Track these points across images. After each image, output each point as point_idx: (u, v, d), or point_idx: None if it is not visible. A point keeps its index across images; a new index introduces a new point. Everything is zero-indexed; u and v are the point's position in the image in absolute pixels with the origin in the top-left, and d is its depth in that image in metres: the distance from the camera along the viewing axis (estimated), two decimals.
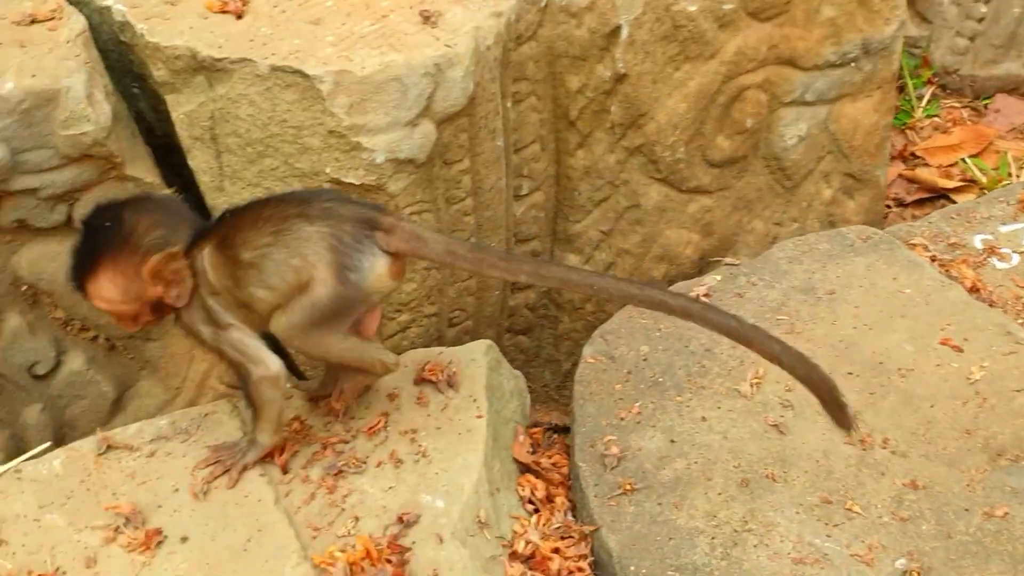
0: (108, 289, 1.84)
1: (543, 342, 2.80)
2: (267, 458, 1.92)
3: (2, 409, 2.33)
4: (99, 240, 1.82)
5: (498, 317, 2.63)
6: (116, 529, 1.80)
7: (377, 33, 2.19)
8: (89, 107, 2.10)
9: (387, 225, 1.83)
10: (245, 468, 1.87)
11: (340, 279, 1.77)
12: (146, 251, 1.79)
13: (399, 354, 2.05)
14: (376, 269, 1.79)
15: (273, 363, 1.81)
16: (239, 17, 2.22)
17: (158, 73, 2.22)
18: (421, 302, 2.43)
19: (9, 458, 2.09)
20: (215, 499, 1.86)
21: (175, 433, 1.96)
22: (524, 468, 2.04)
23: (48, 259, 2.26)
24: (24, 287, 2.27)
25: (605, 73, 2.41)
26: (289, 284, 1.78)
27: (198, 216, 1.98)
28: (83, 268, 1.84)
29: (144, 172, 2.26)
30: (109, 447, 1.93)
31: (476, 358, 2.10)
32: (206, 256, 1.86)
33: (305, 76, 2.11)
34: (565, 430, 2.36)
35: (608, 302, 2.49)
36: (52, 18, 2.20)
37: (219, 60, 2.14)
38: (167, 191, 2.18)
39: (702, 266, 2.73)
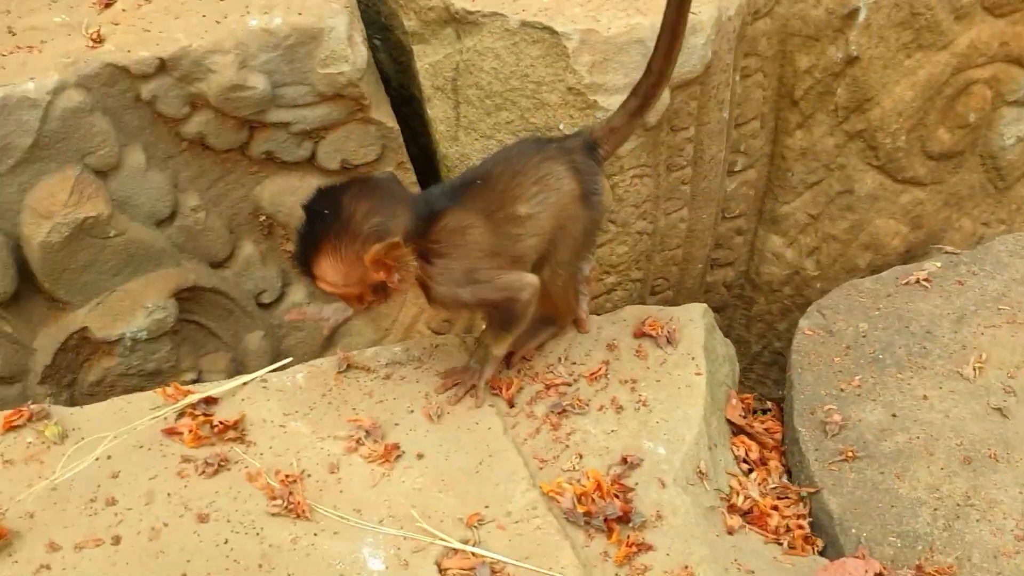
0: (331, 274, 1.84)
1: (735, 322, 2.83)
2: (494, 392, 1.99)
3: (227, 332, 2.45)
4: (321, 227, 1.80)
5: (696, 291, 2.67)
6: (357, 440, 1.89)
7: None
8: (349, 48, 2.20)
9: (597, 139, 1.98)
10: (486, 384, 1.95)
11: (589, 205, 1.86)
12: (366, 239, 1.78)
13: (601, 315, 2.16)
14: (606, 186, 1.82)
15: (532, 279, 1.89)
16: None
17: (408, 24, 2.32)
18: (629, 266, 2.48)
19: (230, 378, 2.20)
20: (448, 423, 1.93)
21: (408, 359, 2.05)
22: (737, 430, 2.07)
23: (288, 192, 2.37)
24: (262, 217, 2.39)
25: (836, 55, 2.42)
26: (554, 222, 1.86)
27: (412, 196, 1.96)
28: (307, 253, 1.82)
29: (386, 117, 2.35)
30: (349, 366, 2.02)
31: (694, 319, 2.14)
32: (467, 227, 1.87)
33: (553, 32, 2.18)
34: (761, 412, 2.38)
35: None
36: None
37: (471, 13, 2.23)
38: (388, 170, 2.24)
39: (907, 259, 2.72)
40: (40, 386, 2.30)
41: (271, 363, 2.50)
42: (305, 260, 1.83)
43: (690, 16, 2.20)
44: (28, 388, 2.32)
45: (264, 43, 2.16)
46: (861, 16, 2.38)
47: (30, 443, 1.86)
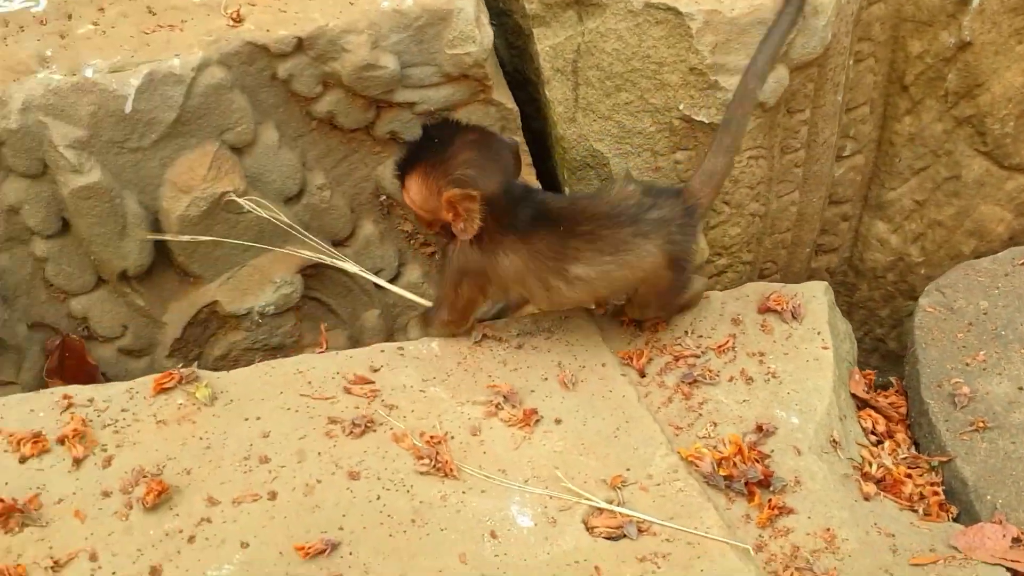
0: (414, 193, 2.02)
1: (838, 307, 2.85)
2: (624, 362, 2.03)
3: (346, 310, 2.51)
4: (427, 150, 2.01)
5: (802, 276, 2.70)
6: (496, 405, 1.94)
7: None
8: (476, 29, 2.26)
9: (694, 189, 2.03)
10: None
11: (677, 269, 1.97)
12: (451, 181, 1.94)
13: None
14: (700, 243, 1.88)
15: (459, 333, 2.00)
16: None
17: (530, 7, 2.37)
18: (741, 248, 2.52)
19: None
20: (582, 390, 1.98)
21: (539, 330, 2.10)
22: (862, 404, 2.10)
23: None
24: (383, 197, 2.45)
25: (948, 40, 2.45)
26: (622, 285, 1.98)
27: (515, 178, 2.08)
28: (406, 165, 2.03)
29: (505, 99, 2.41)
30: (484, 336, 2.07)
31: (817, 295, 2.17)
32: (509, 250, 1.97)
33: (677, 13, 2.23)
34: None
35: None
36: None
37: None
38: (514, 137, 2.30)
39: (1011, 245, 2.74)
40: (168, 359, 2.37)
41: (385, 340, 2.56)
42: (402, 170, 2.04)
43: None
44: (155, 361, 2.39)
45: (396, 23, 2.22)
46: (975, 1, 2.41)
47: (181, 404, 1.92)
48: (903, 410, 2.11)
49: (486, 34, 2.28)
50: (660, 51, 2.27)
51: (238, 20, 2.15)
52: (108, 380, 2.33)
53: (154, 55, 2.10)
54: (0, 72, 2.04)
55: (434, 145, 1.99)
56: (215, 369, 2.38)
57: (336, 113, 2.29)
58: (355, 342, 2.55)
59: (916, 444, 2.05)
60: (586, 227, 1.96)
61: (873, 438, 2.03)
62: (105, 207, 2.12)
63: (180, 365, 2.25)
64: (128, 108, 2.06)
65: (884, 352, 2.88)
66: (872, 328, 2.87)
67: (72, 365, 2.31)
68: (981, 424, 1.97)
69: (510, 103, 2.42)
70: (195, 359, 2.39)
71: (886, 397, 2.13)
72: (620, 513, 1.76)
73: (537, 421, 1.91)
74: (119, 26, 2.14)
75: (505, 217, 1.96)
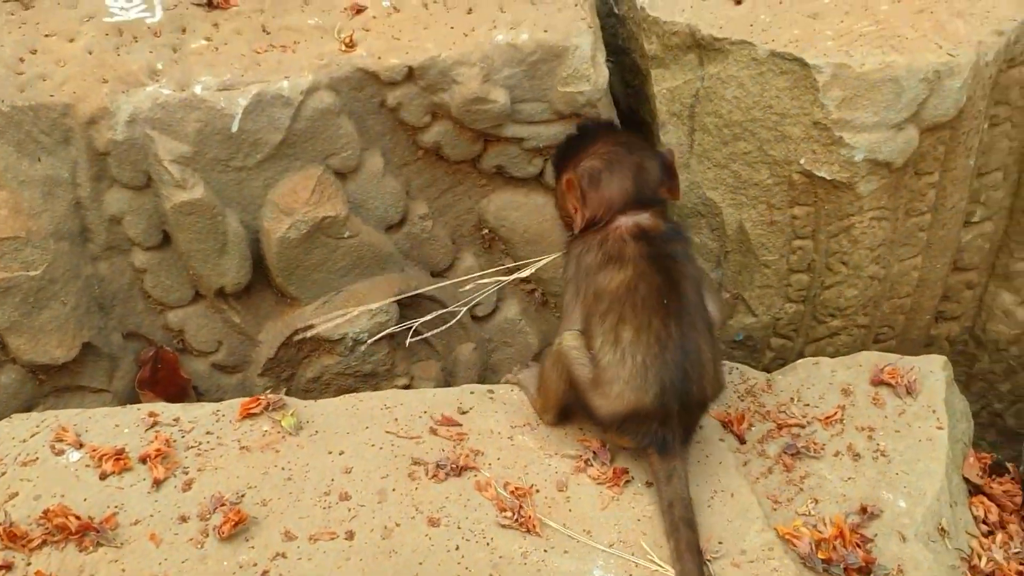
0: (560, 180, 2.02)
1: (955, 378, 2.71)
2: (726, 427, 1.94)
3: (441, 342, 2.46)
4: (576, 145, 2.05)
5: (919, 343, 2.57)
6: (586, 461, 1.86)
7: (877, 33, 2.19)
8: (592, 67, 2.20)
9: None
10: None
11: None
12: (576, 167, 1.96)
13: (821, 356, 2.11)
14: None
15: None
16: (738, 2, 2.27)
17: (650, 47, 2.30)
18: (857, 311, 2.40)
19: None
20: None
21: None
22: (975, 489, 1.97)
23: (513, 208, 2.37)
24: (485, 231, 2.39)
25: None
26: None
27: (653, 191, 2.01)
28: (559, 156, 2.11)
29: None
30: None
31: (934, 371, 2.06)
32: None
33: (804, 64, 2.13)
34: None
35: None
36: None
37: (718, 40, 2.20)
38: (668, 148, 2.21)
39: None
40: (260, 378, 2.34)
41: (478, 377, 2.51)
42: (556, 159, 2.13)
43: (947, 58, 2.13)
44: (248, 379, 2.36)
45: (509, 58, 2.17)
46: None
47: (266, 431, 1.89)
48: (1018, 499, 1.97)
49: (601, 73, 2.22)
50: (783, 102, 2.18)
51: (350, 45, 2.12)
52: (200, 394, 2.31)
53: (264, 76, 2.07)
54: (111, 83, 2.04)
55: (583, 141, 2.03)
56: (307, 391, 2.37)
57: (443, 144, 2.24)
58: (448, 374, 2.50)
59: None
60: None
61: (984, 528, 1.90)
62: (206, 223, 2.10)
63: (269, 386, 2.23)
64: (235, 127, 2.04)
65: (1001, 428, 2.73)
66: (990, 402, 2.72)
67: (164, 377, 2.30)
68: None
69: None
70: (288, 379, 2.37)
71: (1001, 484, 2.00)
72: None
73: (627, 482, 1.82)
74: (232, 43, 2.13)
75: (605, 218, 1.94)
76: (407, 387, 2.39)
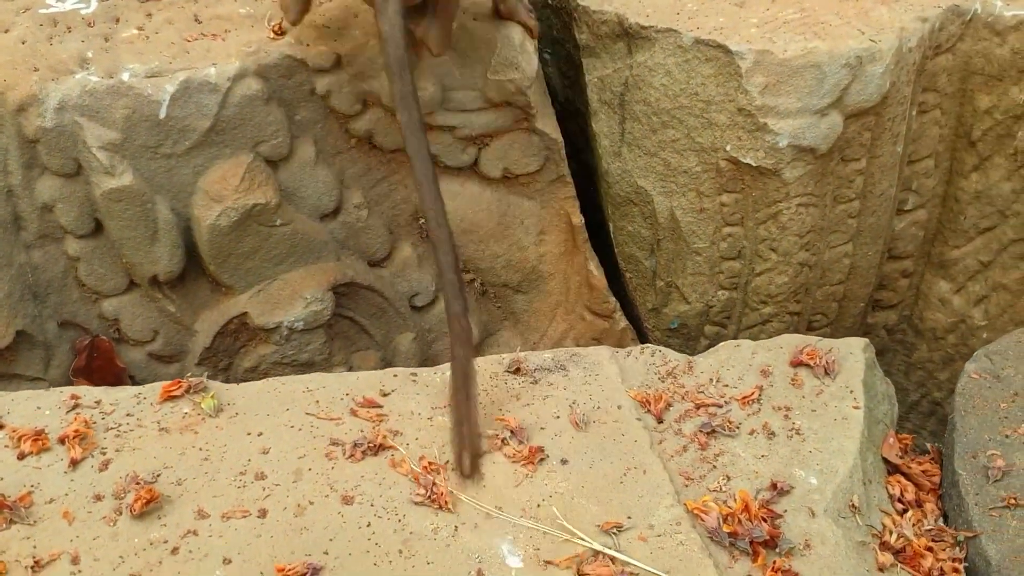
0: None
1: (893, 367, 2.73)
2: (644, 406, 1.96)
3: (379, 332, 2.48)
4: None
5: (855, 331, 2.59)
6: (503, 440, 1.88)
7: (801, 20, 2.22)
8: (520, 56, 2.22)
9: None
10: None
11: None
12: None
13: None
14: None
15: None
16: None
17: (581, 37, 2.33)
18: (788, 298, 2.42)
19: None
20: (593, 432, 1.91)
21: (556, 367, 2.03)
22: (893, 469, 1.99)
23: (449, 197, 2.37)
24: (422, 220, 2.41)
25: (1020, 96, 2.34)
26: None
27: None
28: None
29: (550, 128, 2.36)
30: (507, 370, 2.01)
31: (854, 352, 2.07)
32: None
33: (727, 52, 2.16)
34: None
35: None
36: None
37: (644, 28, 2.23)
38: None
39: None
40: (197, 367, 2.36)
41: (416, 367, 2.52)
42: None
43: (869, 44, 2.16)
44: (185, 368, 2.38)
45: None
46: None
47: (186, 413, 1.90)
48: (937, 479, 1.99)
49: (531, 61, 2.24)
50: (709, 89, 2.21)
51: (279, 33, 2.15)
52: (136, 384, 2.32)
53: (192, 63, 2.10)
54: (41, 71, 2.06)
55: None
56: (243, 381, 2.38)
57: (375, 132, 2.27)
58: (387, 364, 2.52)
59: (945, 516, 1.93)
60: None
61: (900, 506, 1.92)
62: (136, 211, 2.13)
63: (206, 373, 2.25)
64: (163, 114, 2.07)
65: (941, 417, 2.75)
66: (930, 391, 2.74)
67: (100, 366, 2.31)
68: (1013, 501, 1.84)
69: (555, 133, 2.37)
70: (224, 369, 2.38)
71: (920, 464, 2.01)
72: (614, 560, 1.68)
73: (541, 459, 1.84)
74: (163, 32, 2.16)
75: None
76: None
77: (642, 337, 2.55)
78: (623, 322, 2.54)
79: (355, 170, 2.33)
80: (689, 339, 2.49)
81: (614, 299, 2.53)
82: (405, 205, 2.41)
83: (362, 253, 2.41)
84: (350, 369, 2.49)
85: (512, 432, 1.88)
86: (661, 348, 2.09)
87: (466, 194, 2.40)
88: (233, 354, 2.38)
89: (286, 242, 2.27)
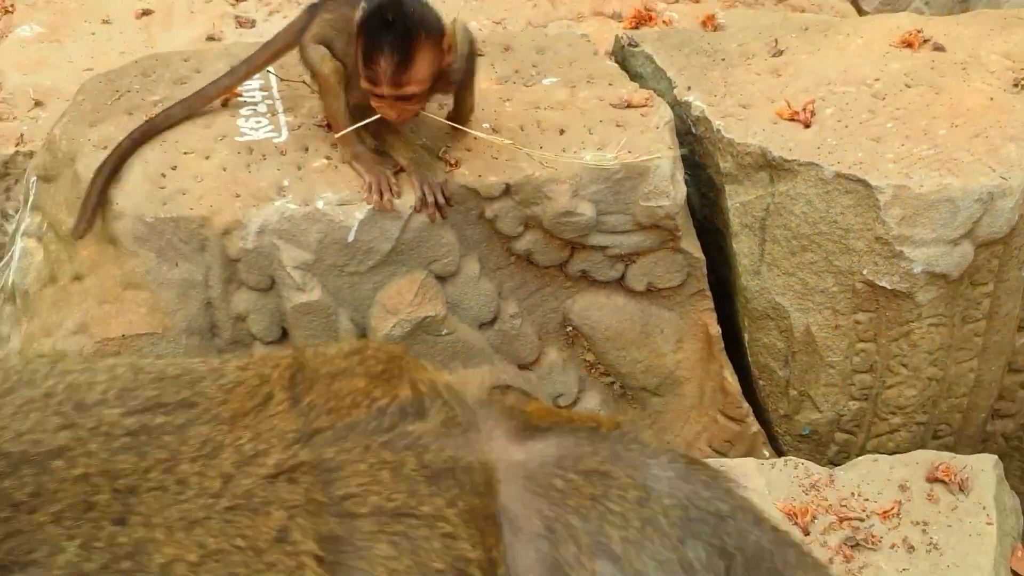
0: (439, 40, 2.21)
1: (1010, 473, 2.84)
2: (791, 518, 2.11)
3: None
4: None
5: (976, 439, 2.72)
6: None
7: (934, 156, 2.38)
8: (671, 185, 2.42)
9: None
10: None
11: None
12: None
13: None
14: None
15: None
16: (807, 126, 2.48)
17: (725, 165, 2.52)
18: (916, 410, 2.57)
19: None
20: None
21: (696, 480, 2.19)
22: None
23: (596, 308, 2.59)
24: (569, 328, 2.61)
25: None
26: None
27: None
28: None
29: (692, 248, 2.55)
30: None
31: (986, 469, 2.21)
32: None
33: (867, 185, 2.34)
34: None
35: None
36: (645, 105, 2.54)
37: (788, 161, 2.41)
38: None
39: None
40: None
41: None
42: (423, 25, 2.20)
43: (1000, 181, 2.31)
44: None
45: (596, 176, 2.40)
46: None
47: None
48: None
49: (680, 190, 2.43)
50: (848, 218, 2.37)
51: (455, 166, 2.36)
52: None
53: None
54: (243, 197, 2.30)
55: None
56: None
57: (533, 251, 2.47)
58: None
59: None
60: None
61: None
62: (321, 322, 2.35)
63: None
64: (351, 238, 2.29)
65: None
66: None
67: None
68: None
69: (697, 252, 2.55)
70: None
71: None
72: None
73: None
74: (345, 166, 2.39)
75: None
76: None
77: (772, 441, 2.70)
78: (755, 426, 2.69)
79: (512, 283, 2.53)
80: (819, 445, 2.64)
81: (747, 404, 2.68)
82: (554, 314, 2.60)
83: (514, 357, 2.61)
84: None
85: None
86: (803, 461, 2.24)
87: (611, 305, 2.59)
88: None
89: (449, 349, 2.47)
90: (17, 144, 3.08)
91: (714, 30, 2.88)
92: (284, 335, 2.41)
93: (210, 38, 3.40)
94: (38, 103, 3.21)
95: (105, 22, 3.43)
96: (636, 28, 3.11)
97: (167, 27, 3.38)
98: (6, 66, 3.31)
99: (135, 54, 3.26)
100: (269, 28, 3.41)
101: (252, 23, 3.49)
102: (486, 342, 2.54)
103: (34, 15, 3.43)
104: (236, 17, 3.43)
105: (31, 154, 2.98)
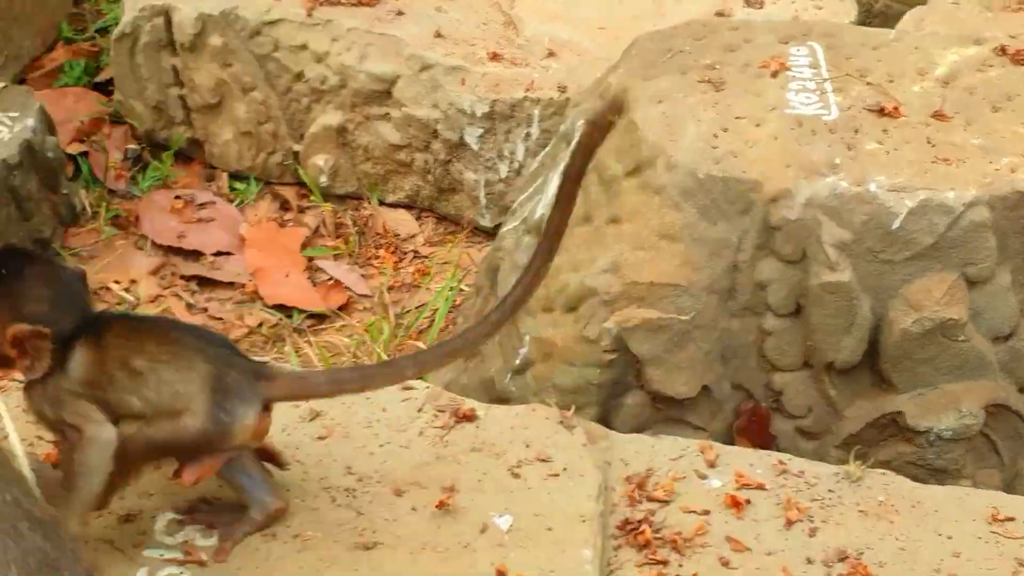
0: None
1: None
2: None
3: (1008, 454, 2.57)
4: None
5: None
6: None
7: None
8: None
9: (269, 375, 1.91)
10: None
11: (212, 419, 1.83)
12: (19, 317, 1.83)
13: None
14: (247, 419, 1.84)
15: (110, 431, 1.83)
16: None
17: None
18: None
19: None
20: None
21: None
22: None
23: None
24: None
25: None
26: (164, 405, 1.84)
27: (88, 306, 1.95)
28: None
29: None
30: None
31: None
32: (80, 349, 1.87)
33: None
34: None
35: None
36: None
37: None
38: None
39: None
40: (835, 449, 2.55)
41: None
42: None
43: None
44: (822, 447, 2.58)
45: None
46: None
47: (881, 502, 2.08)
48: None
49: None
50: None
51: (1014, 170, 2.29)
52: (780, 452, 2.55)
53: (931, 184, 2.29)
54: (793, 168, 2.33)
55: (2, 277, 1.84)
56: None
57: None
58: (1007, 487, 2.59)
59: None
60: (160, 330, 1.93)
61: None
62: (842, 304, 2.35)
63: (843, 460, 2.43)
64: (895, 225, 2.27)
65: None
66: None
67: (756, 430, 2.56)
68: None
69: None
70: (860, 457, 2.55)
71: None
72: None
73: None
74: (901, 150, 2.37)
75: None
76: None
77: None
78: None
79: None
80: None
81: None
82: None
83: (1016, 378, 2.51)
84: (974, 484, 2.58)
85: None
86: None
87: None
88: (872, 444, 2.55)
89: (960, 356, 2.41)
90: (527, 90, 3.28)
91: None
92: (798, 310, 2.43)
93: (719, 14, 3.47)
94: (551, 53, 3.39)
95: None
96: None
97: None
98: (526, 14, 3.52)
99: (646, 19, 3.39)
100: (776, 11, 3.45)
101: (760, 4, 3.53)
102: (995, 357, 2.46)
103: None
104: None
105: (537, 101, 3.18)
